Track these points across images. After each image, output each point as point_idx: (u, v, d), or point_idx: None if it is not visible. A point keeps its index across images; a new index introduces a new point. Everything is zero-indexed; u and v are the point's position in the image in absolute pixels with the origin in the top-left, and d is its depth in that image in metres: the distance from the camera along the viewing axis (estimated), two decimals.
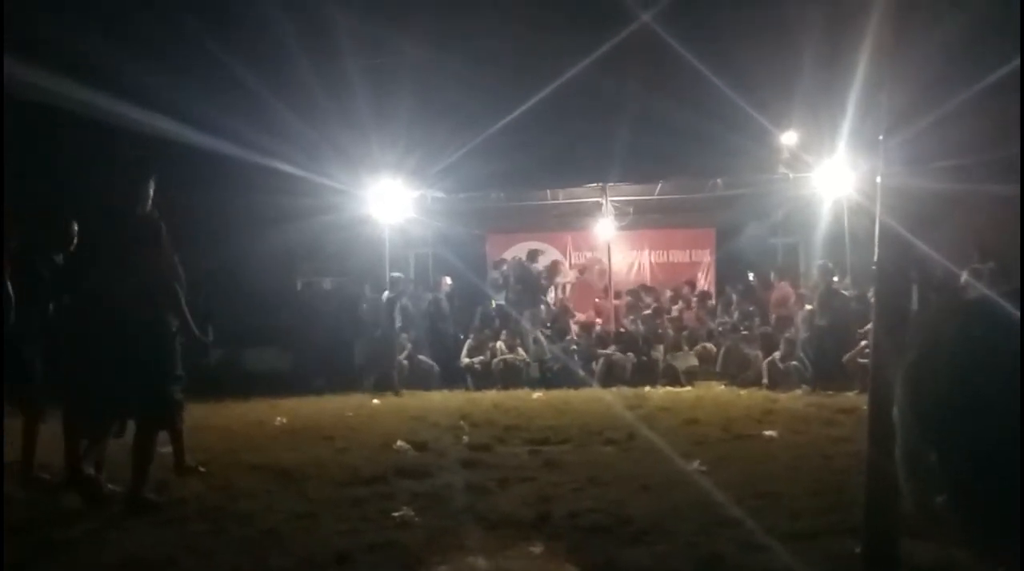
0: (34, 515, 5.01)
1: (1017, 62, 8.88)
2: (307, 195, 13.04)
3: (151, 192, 5.15)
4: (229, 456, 6.83)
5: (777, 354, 11.83)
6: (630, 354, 12.66)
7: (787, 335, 12.02)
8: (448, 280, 15.10)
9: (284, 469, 6.26)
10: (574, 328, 14.01)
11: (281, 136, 12.74)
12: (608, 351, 12.78)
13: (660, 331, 13.39)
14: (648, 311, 14.12)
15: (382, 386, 12.01)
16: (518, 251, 15.96)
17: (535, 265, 14.66)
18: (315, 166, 12.94)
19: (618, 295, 15.05)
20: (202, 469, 6.23)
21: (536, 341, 13.22)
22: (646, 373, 12.49)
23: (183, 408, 5.20)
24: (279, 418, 9.40)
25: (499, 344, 12.92)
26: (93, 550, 4.42)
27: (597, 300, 15.75)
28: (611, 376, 12.33)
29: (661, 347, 12.93)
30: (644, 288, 15.76)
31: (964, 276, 10.59)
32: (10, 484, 5.49)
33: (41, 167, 10.98)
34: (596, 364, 12.57)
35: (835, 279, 12.36)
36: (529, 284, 14.27)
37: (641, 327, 13.41)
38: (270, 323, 13.56)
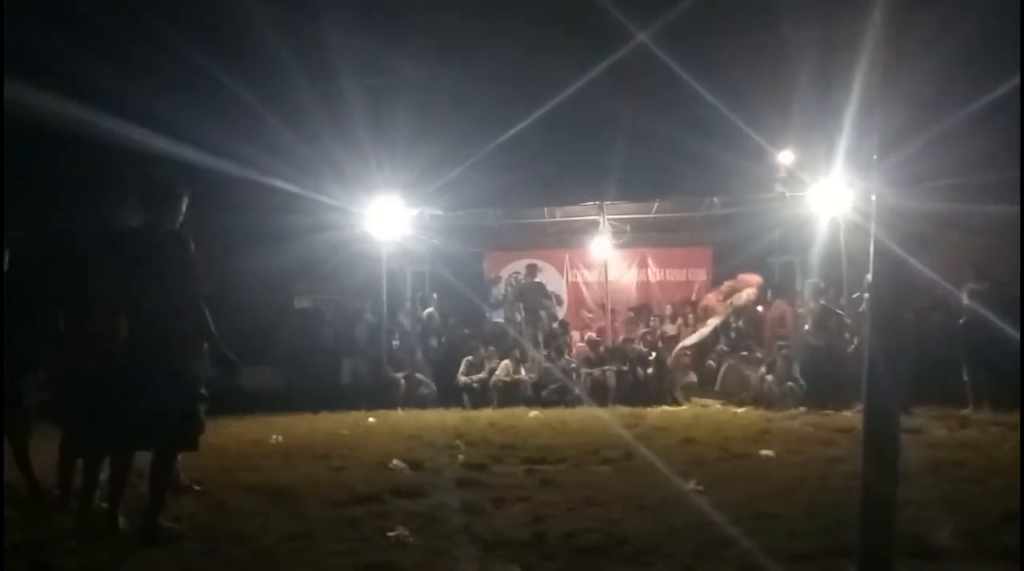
0: (26, 536, 4.95)
1: (1012, 84, 8.94)
2: (304, 213, 13.03)
3: (183, 208, 5.07)
4: (224, 475, 6.79)
5: (773, 374, 11.82)
6: (625, 372, 12.65)
7: (783, 353, 12.02)
8: (435, 296, 15.13)
9: (279, 488, 6.22)
10: (578, 345, 14.01)
11: (278, 154, 12.71)
12: (594, 370, 12.76)
13: (658, 349, 13.38)
14: (646, 329, 14.14)
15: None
16: (516, 268, 15.97)
17: (535, 280, 14.65)
18: (312, 184, 12.92)
19: (615, 313, 15.06)
20: (197, 488, 6.18)
21: (534, 360, 13.21)
22: (642, 392, 12.47)
23: (204, 428, 5.11)
24: (275, 436, 9.37)
25: (498, 363, 12.88)
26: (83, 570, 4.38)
27: (590, 314, 15.81)
28: (597, 395, 12.31)
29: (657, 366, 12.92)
30: (642, 307, 15.78)
31: (963, 296, 10.61)
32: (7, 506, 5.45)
33: (31, 186, 10.97)
34: (581, 380, 12.57)
35: (828, 297, 12.38)
36: (530, 301, 14.27)
37: (640, 345, 13.42)
38: (267, 341, 13.52)
